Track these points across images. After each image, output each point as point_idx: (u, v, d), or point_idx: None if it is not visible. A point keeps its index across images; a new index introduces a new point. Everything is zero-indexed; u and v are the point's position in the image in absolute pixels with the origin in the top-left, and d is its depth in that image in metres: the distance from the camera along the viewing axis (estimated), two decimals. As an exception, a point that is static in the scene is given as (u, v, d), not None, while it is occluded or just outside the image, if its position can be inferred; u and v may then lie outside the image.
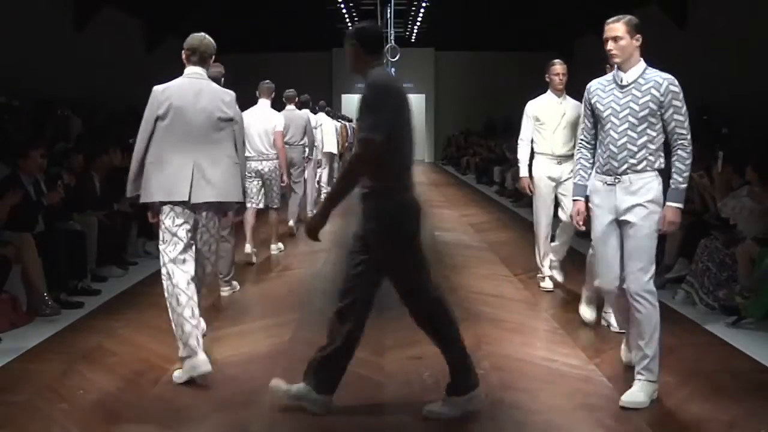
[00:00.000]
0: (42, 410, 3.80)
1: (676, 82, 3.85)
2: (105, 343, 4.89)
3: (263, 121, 7.53)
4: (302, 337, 5.05)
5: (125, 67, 16.16)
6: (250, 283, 6.81)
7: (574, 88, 20.78)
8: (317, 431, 3.64)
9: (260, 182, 7.49)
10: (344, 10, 22.33)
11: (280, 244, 8.48)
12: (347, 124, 16.85)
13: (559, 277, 6.39)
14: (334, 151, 13.06)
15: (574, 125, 5.82)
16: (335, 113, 16.24)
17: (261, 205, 7.63)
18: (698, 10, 14.03)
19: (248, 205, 7.17)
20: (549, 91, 6.28)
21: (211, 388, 4.11)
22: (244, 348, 4.89)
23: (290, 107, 9.22)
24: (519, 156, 6.31)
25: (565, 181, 6.03)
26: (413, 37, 25.49)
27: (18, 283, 5.43)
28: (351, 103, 25.81)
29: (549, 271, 6.40)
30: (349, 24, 24.20)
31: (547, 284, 6.44)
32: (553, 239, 6.34)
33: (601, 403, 3.89)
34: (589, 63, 22.66)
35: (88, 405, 3.87)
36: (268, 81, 7.96)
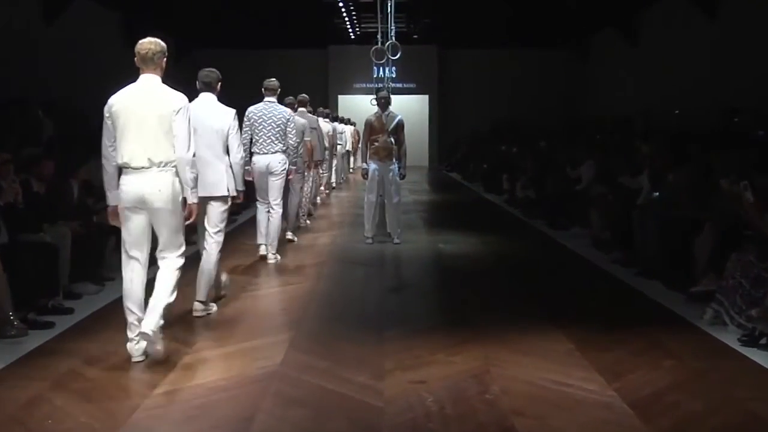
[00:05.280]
0: (7, 441, 3.78)
1: None
2: (78, 367, 4.86)
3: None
4: (295, 360, 5.04)
5: (101, 65, 16.18)
6: (238, 300, 6.79)
7: (590, 87, 21.04)
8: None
9: None
10: (341, 4, 22.38)
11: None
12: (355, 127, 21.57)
13: None
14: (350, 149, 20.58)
15: None
16: (347, 119, 21.47)
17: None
18: (730, -1, 13.97)
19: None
20: None
21: (196, 416, 4.10)
22: (231, 371, 4.86)
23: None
24: None
25: None
26: (416, 34, 25.55)
27: (-19, 300, 5.40)
28: (348, 104, 25.88)
29: None
30: (347, 19, 24.30)
31: None
32: None
33: (622, 432, 3.88)
34: (605, 60, 22.85)
35: (59, 435, 3.85)
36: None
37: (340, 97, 26.99)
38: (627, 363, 4.92)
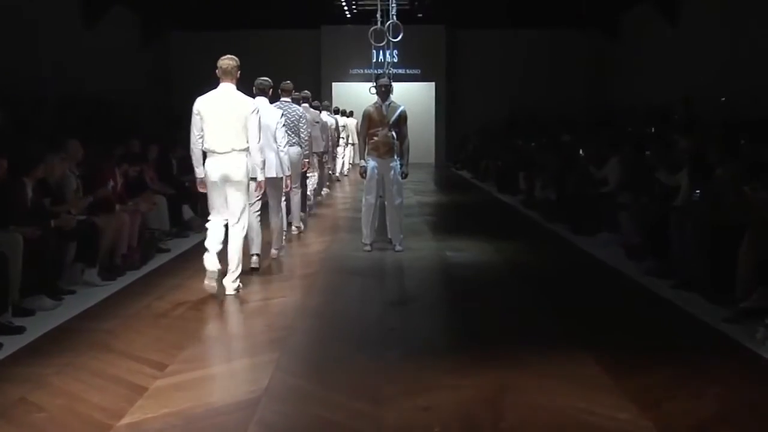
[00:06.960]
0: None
1: None
2: (30, 395, 4.83)
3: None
4: (283, 383, 5.04)
5: (59, 45, 16.16)
6: (218, 316, 6.79)
7: (621, 72, 20.95)
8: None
9: None
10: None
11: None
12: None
13: None
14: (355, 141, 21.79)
15: None
16: (350, 112, 22.79)
17: None
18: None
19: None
20: None
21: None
22: (211, 397, 4.86)
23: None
24: None
25: None
26: (420, 12, 25.61)
27: None
28: (344, 92, 25.90)
29: None
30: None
31: None
32: None
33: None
34: (639, 41, 22.79)
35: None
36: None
37: (334, 84, 26.96)
38: (664, 389, 4.90)
